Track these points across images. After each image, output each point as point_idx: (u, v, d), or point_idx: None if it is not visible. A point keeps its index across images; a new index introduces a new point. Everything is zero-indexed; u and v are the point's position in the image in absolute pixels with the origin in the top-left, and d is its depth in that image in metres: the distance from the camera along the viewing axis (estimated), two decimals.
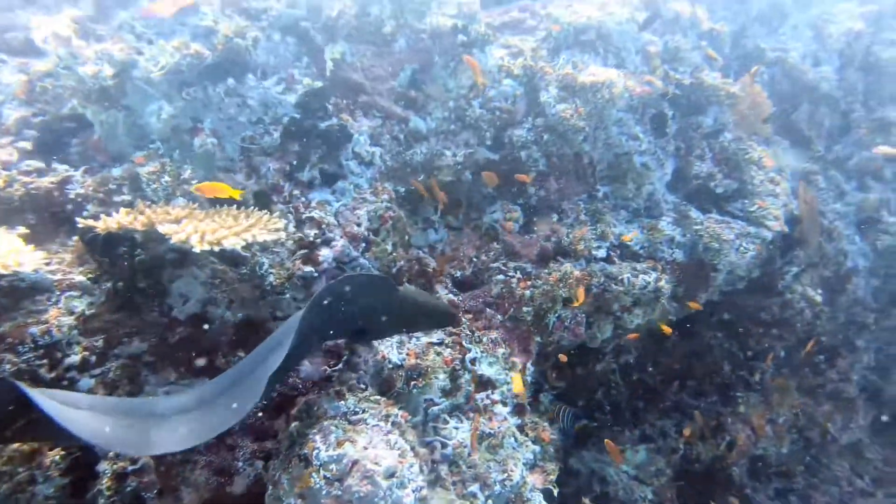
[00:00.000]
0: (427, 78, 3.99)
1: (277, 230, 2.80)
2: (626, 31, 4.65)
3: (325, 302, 2.53)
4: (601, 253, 4.12)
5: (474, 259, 3.97)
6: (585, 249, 3.97)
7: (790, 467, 6.17)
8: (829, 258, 5.88)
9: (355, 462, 2.55)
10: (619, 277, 4.07)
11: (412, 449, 2.83)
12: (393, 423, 2.82)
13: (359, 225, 3.42)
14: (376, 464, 2.58)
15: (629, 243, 4.34)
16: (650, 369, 5.82)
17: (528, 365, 3.81)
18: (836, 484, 6.15)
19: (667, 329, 4.95)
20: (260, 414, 2.90)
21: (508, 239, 3.99)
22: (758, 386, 5.91)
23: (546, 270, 3.85)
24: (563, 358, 4.03)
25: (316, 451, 2.58)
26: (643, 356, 5.87)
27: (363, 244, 3.41)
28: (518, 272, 3.91)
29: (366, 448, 2.63)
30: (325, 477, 2.52)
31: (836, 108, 6.24)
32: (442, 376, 3.41)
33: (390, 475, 2.60)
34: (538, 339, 3.91)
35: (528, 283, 3.86)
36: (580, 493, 5.20)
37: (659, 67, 4.74)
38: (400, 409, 3.09)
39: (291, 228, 3.25)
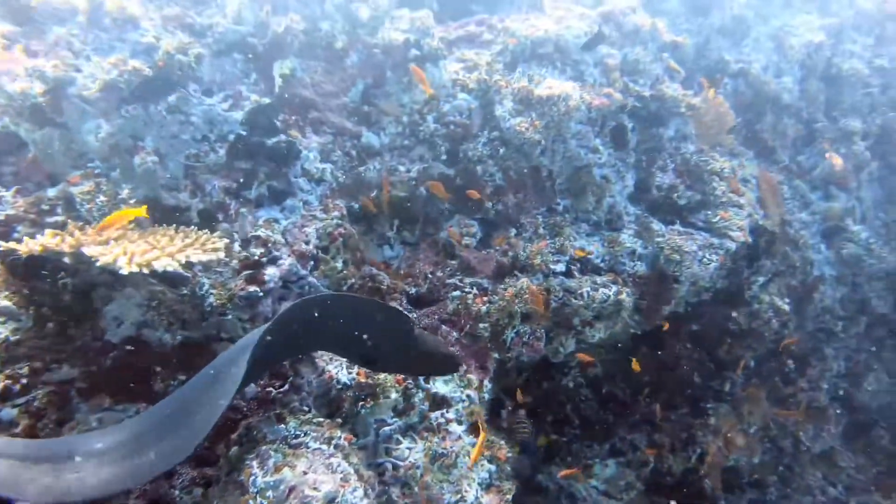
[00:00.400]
0: (380, 93, 3.96)
1: (216, 250, 2.73)
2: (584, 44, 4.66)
3: (309, 314, 2.46)
4: (560, 267, 4.09)
5: (430, 275, 3.93)
6: (543, 264, 3.93)
7: (763, 477, 6.15)
8: (795, 267, 5.90)
9: (293, 488, 2.48)
10: (579, 291, 4.03)
11: (357, 472, 2.76)
12: (336, 446, 2.75)
13: (307, 243, 3.37)
14: (315, 489, 2.50)
15: (590, 257, 4.31)
16: (620, 383, 5.78)
17: (486, 382, 3.75)
18: (810, 493, 6.13)
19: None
20: None
21: (464, 254, 3.95)
22: (728, 397, 5.89)
23: (502, 286, 3.81)
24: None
25: (252, 477, 2.50)
26: (612, 370, 5.84)
27: (311, 262, 3.35)
28: (474, 288, 3.87)
29: (305, 473, 2.55)
30: None
31: (799, 119, 6.29)
32: (394, 395, 3.35)
33: (330, 500, 2.52)
34: (496, 355, 3.85)
35: (485, 298, 3.81)
36: None
37: (618, 80, 4.75)
38: (347, 430, 3.03)
39: (237, 248, 3.19)
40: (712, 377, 5.95)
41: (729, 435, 5.76)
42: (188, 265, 2.72)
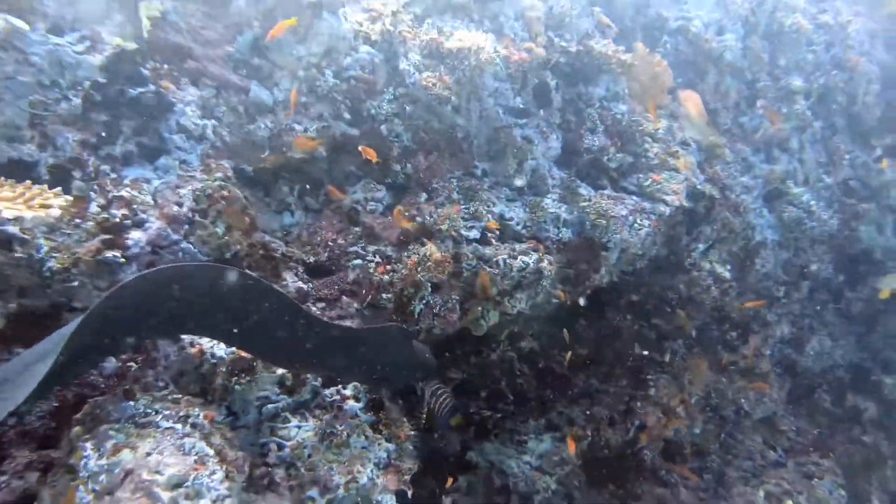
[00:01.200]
0: (273, 44, 3.64)
1: (46, 206, 2.43)
2: None
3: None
4: (474, 234, 3.83)
5: (330, 243, 3.65)
6: (452, 229, 3.67)
7: (704, 446, 6.05)
8: (736, 233, 5.73)
9: (130, 472, 2.22)
10: (494, 259, 3.79)
11: (219, 453, 2.50)
12: (193, 425, 2.49)
13: (180, 205, 3.06)
14: (157, 472, 2.25)
15: (510, 224, 4.06)
16: (558, 357, 5.60)
17: None
18: (750, 458, 6.05)
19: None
20: (44, 417, 2.53)
21: (368, 221, 3.68)
22: (668, 367, 5.74)
23: (406, 253, 3.55)
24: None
25: (84, 460, 2.24)
26: (550, 343, 5.65)
27: (186, 226, 3.05)
28: (377, 256, 3.60)
29: (148, 454, 2.29)
30: (92, 490, 2.18)
31: (741, 79, 6.09)
32: (279, 370, 3.09)
33: (176, 485, 2.27)
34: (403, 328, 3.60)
35: (388, 267, 3.55)
36: (476, 488, 4.97)
37: (541, 34, 4.47)
38: (216, 408, 2.77)
39: (95, 208, 2.88)
40: (652, 347, 5.81)
41: (671, 405, 5.62)
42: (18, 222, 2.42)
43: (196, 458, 2.38)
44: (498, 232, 4.00)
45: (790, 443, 6.27)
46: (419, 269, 3.45)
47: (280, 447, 3.00)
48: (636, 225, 4.48)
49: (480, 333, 4.25)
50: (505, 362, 5.09)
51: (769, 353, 6.17)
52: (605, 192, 4.58)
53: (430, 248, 3.47)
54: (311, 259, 3.59)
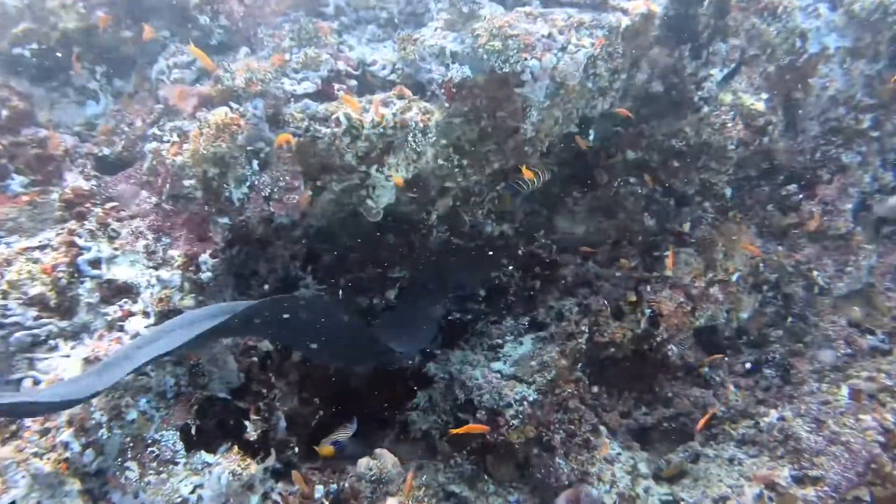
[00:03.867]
0: None
1: None
2: None
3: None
4: (305, 88, 2.89)
5: (126, 128, 2.94)
6: (257, 83, 2.77)
7: (760, 335, 4.72)
8: (773, 45, 4.12)
9: None
10: (333, 117, 2.84)
11: None
12: None
13: None
14: None
15: (372, 69, 3.06)
16: (543, 239, 4.56)
17: (205, 257, 2.79)
18: (830, 347, 4.61)
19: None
20: None
21: (163, 92, 2.89)
22: (691, 239, 4.45)
23: (195, 123, 2.74)
24: None
25: None
26: (530, 224, 4.61)
27: None
28: (174, 134, 2.83)
29: None
30: None
31: None
32: (38, 288, 2.52)
33: None
34: (224, 219, 2.85)
35: (184, 146, 2.78)
36: (437, 405, 4.20)
37: None
38: None
39: None
40: (668, 217, 4.52)
41: (696, 285, 4.38)
42: None
43: None
44: (354, 82, 3.02)
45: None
46: (202, 139, 2.63)
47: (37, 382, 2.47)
48: (570, 47, 3.21)
49: (375, 219, 3.38)
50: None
51: (850, 206, 4.54)
52: (528, 7, 3.33)
53: (220, 113, 2.62)
54: (106, 151, 2.91)
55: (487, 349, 4.35)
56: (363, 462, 2.74)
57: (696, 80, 4.04)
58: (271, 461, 2.46)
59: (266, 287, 3.22)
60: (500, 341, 4.38)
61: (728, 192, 4.47)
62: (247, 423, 2.37)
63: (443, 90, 3.06)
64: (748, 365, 4.54)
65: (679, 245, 4.48)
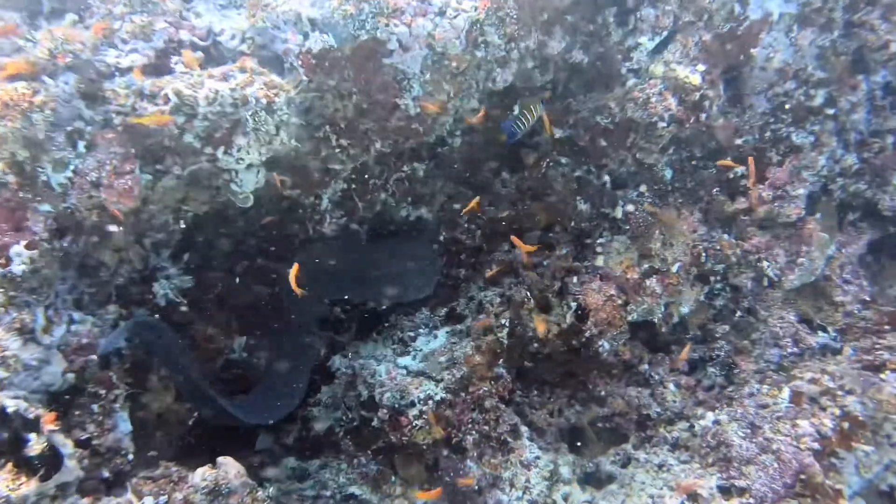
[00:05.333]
0: None
1: None
2: None
3: None
4: (133, 60, 2.58)
5: None
6: (65, 54, 2.46)
7: (705, 330, 4.36)
8: (709, 10, 3.67)
9: None
10: (162, 93, 2.54)
11: None
12: None
13: None
14: None
15: (219, 41, 2.73)
16: (466, 224, 4.25)
17: (19, 248, 2.52)
18: (777, 344, 4.24)
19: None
20: None
21: None
22: (626, 225, 4.08)
23: None
24: None
25: None
26: (452, 210, 4.30)
27: None
28: None
29: None
30: None
31: None
32: None
33: None
34: (45, 207, 2.58)
35: None
36: (335, 403, 3.96)
37: None
38: None
39: None
40: (603, 201, 4.15)
41: (627, 276, 4.03)
42: None
43: None
44: (201, 54, 2.71)
45: (850, 320, 4.27)
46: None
47: None
48: (449, 10, 2.84)
49: (245, 204, 3.09)
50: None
51: (804, 190, 4.10)
52: None
53: (6, 89, 2.33)
54: None
55: (398, 342, 4.08)
56: (199, 472, 2.49)
57: (622, 50, 3.63)
58: (70, 475, 2.22)
59: (120, 280, 2.98)
60: (411, 334, 4.11)
61: (668, 173, 4.09)
62: (32, 435, 2.13)
63: (300, 62, 2.72)
64: (684, 364, 4.19)
65: (613, 233, 4.12)
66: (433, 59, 2.89)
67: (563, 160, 4.09)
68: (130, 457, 2.58)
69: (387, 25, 2.61)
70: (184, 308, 3.29)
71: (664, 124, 3.64)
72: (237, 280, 3.70)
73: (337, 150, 3.10)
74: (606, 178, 4.08)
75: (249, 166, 2.92)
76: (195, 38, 2.69)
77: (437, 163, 4.05)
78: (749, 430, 3.78)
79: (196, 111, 2.54)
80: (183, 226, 3.11)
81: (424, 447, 3.69)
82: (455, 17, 2.79)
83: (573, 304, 3.96)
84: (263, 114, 2.59)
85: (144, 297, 3.01)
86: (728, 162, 3.82)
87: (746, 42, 3.67)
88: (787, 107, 4.09)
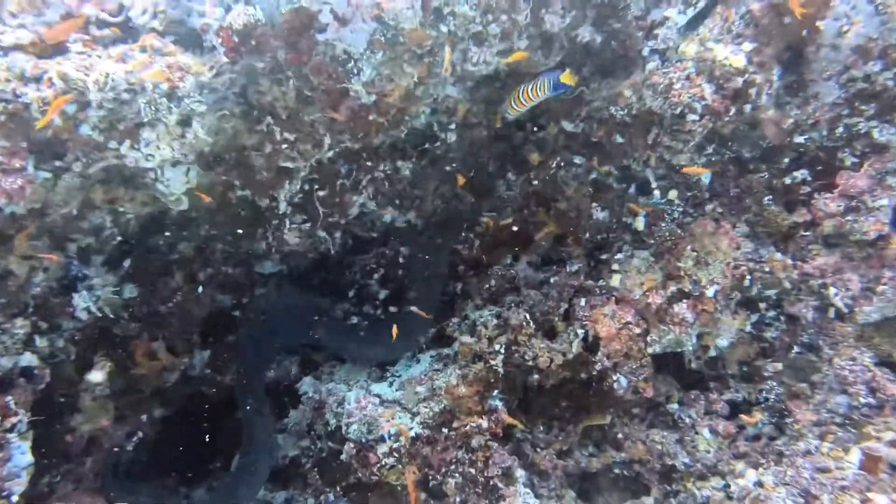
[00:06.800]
0: None
1: None
2: None
3: None
4: (19, 37, 2.21)
5: None
6: None
7: (755, 366, 3.59)
8: None
9: None
10: (46, 76, 2.13)
11: None
12: None
13: None
14: None
15: (133, 16, 2.32)
16: (464, 234, 3.71)
17: None
18: (843, 391, 3.41)
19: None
20: None
21: None
22: (649, 239, 3.40)
23: None
24: None
25: None
26: (447, 218, 3.78)
27: None
28: None
29: None
30: None
31: None
32: None
33: None
34: None
35: None
36: (306, 428, 3.52)
37: None
38: None
39: None
40: (624, 208, 3.49)
41: (648, 300, 3.35)
42: None
43: None
44: (108, 31, 2.31)
45: None
46: None
47: None
48: None
49: (178, 207, 2.69)
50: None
51: (888, 201, 3.24)
52: None
53: None
54: None
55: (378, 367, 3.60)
56: None
57: (644, 26, 2.94)
58: None
59: (37, 290, 2.66)
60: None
61: (705, 177, 3.35)
62: None
63: (220, 40, 2.27)
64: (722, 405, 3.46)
65: (634, 246, 3.45)
66: (386, 36, 2.36)
67: (577, 160, 3.44)
68: (15, 499, 2.22)
69: None
70: (123, 321, 2.94)
71: (695, 117, 2.92)
72: (199, 289, 3.34)
73: (284, 146, 2.64)
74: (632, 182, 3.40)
75: (177, 163, 2.51)
76: (104, 14, 2.29)
77: (429, 161, 3.52)
78: (802, 501, 3.03)
79: (87, 98, 2.13)
80: (116, 229, 2.74)
81: (399, 488, 3.19)
82: None
83: (580, 332, 3.32)
84: (165, 101, 2.15)
85: (65, 309, 2.67)
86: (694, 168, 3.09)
87: (811, 12, 2.87)
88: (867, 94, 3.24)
